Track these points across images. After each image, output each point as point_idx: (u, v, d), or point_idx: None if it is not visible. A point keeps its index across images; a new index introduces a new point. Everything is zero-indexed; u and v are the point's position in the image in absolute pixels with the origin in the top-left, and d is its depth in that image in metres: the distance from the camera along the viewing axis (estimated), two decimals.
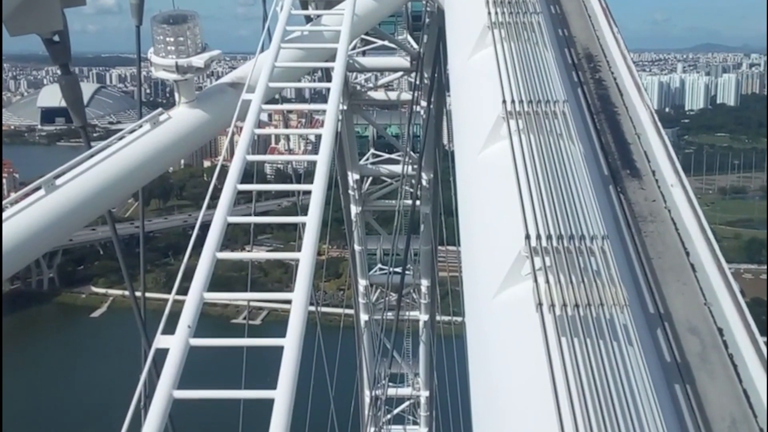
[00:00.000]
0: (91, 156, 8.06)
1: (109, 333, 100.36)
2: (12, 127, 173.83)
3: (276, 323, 76.92)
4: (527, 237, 5.33)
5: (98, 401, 78.37)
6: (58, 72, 9.28)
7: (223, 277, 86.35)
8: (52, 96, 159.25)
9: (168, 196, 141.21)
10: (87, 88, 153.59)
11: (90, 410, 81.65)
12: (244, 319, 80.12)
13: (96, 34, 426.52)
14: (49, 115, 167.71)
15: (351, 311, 31.37)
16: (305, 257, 4.94)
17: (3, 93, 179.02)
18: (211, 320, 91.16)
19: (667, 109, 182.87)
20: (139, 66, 10.53)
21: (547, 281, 5.01)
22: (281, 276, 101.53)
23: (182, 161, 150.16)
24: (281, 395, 4.04)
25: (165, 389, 4.06)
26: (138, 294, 12.11)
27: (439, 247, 27.35)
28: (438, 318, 29.66)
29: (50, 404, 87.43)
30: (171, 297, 4.74)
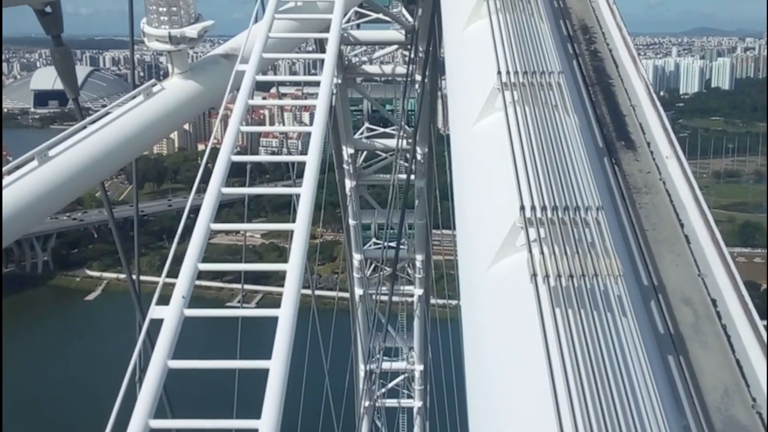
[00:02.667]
0: (84, 127, 8.02)
1: (104, 316, 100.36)
2: (5, 110, 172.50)
3: (271, 307, 76.58)
4: (522, 208, 5.32)
5: (93, 379, 78.60)
6: (51, 48, 9.20)
7: (218, 261, 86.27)
8: (45, 79, 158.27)
9: (162, 179, 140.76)
10: (80, 71, 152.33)
11: (85, 387, 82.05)
12: (239, 302, 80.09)
13: (89, 16, 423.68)
14: (42, 97, 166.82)
15: (345, 294, 31.29)
16: (300, 228, 4.90)
17: None
18: (206, 303, 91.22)
19: (661, 93, 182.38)
20: (132, 38, 10.41)
21: (542, 252, 5.01)
22: (276, 259, 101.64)
23: (176, 145, 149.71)
24: (276, 365, 4.01)
25: (160, 359, 4.03)
26: (133, 275, 12.09)
27: (434, 231, 27.26)
28: (432, 301, 29.68)
29: (45, 384, 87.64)
30: (164, 273, 4.71)
